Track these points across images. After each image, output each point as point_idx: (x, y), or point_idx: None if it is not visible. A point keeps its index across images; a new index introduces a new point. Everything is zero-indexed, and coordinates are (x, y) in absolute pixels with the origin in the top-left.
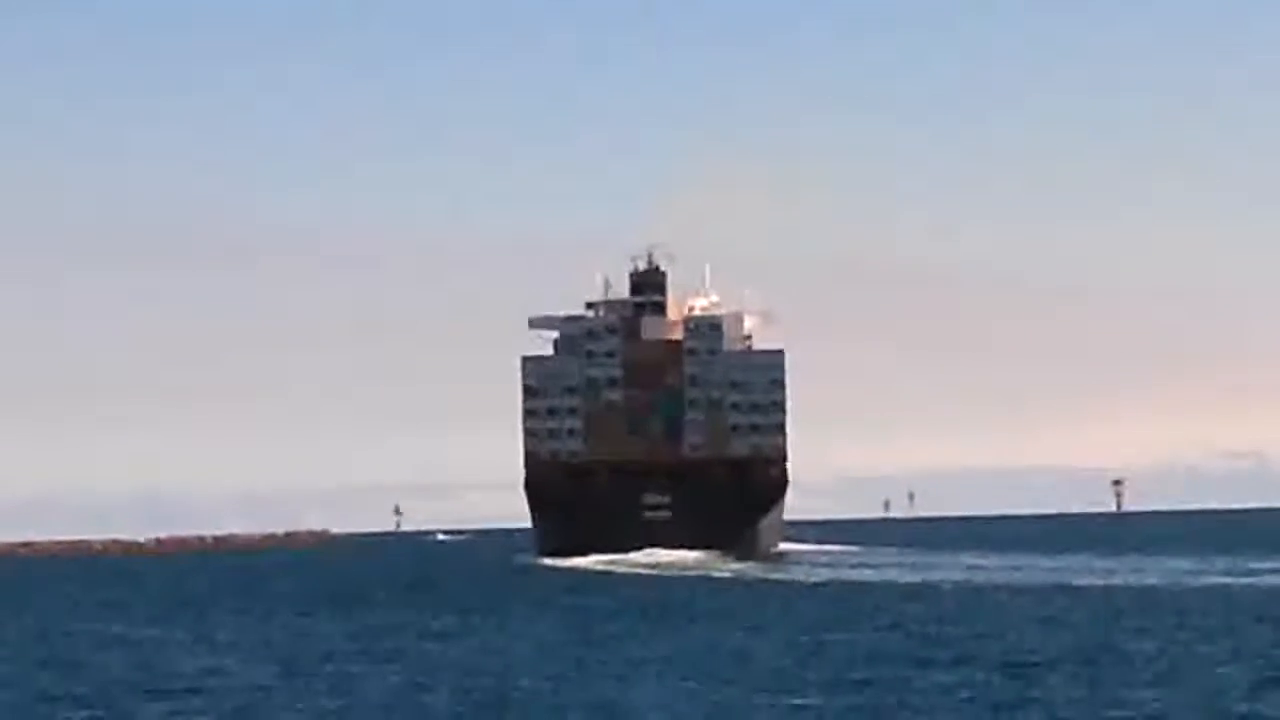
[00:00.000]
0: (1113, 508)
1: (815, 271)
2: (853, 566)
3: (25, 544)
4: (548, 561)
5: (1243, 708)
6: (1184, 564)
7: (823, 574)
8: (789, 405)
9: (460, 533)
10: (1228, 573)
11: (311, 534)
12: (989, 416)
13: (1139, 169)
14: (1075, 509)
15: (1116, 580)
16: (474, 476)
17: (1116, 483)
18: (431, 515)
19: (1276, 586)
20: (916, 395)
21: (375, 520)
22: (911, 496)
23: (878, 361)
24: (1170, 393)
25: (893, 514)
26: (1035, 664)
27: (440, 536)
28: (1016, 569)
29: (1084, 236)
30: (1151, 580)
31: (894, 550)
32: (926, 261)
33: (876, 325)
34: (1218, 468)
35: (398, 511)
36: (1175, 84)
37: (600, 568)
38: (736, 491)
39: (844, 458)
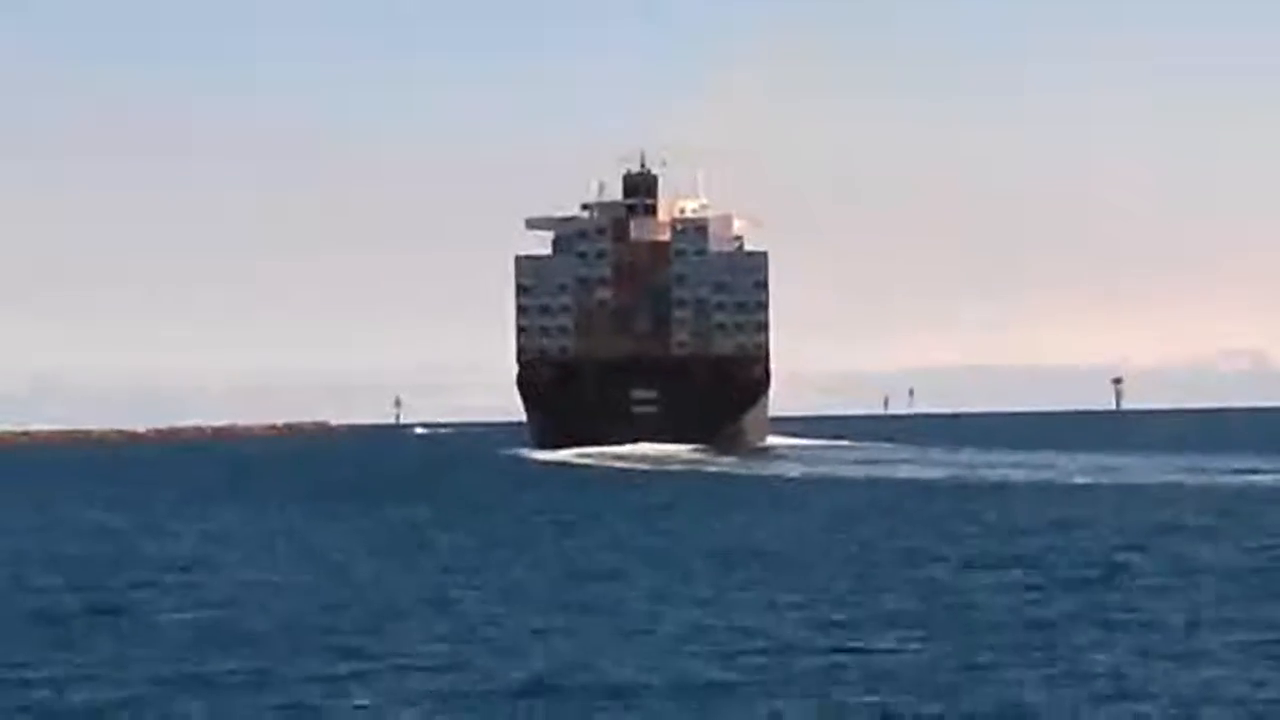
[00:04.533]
0: (1112, 405)
1: (816, 175)
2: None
3: (24, 433)
4: (538, 455)
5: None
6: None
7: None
8: (772, 305)
9: (441, 426)
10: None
11: (314, 425)
12: (989, 315)
13: (1136, 68)
14: (1075, 407)
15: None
16: (475, 371)
17: (1116, 381)
18: (432, 409)
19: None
20: (918, 294)
21: (377, 413)
22: (911, 393)
23: (879, 262)
24: (1171, 291)
25: (892, 410)
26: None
27: (418, 430)
28: (993, 466)
29: (1084, 135)
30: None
31: (883, 446)
32: (926, 162)
33: (877, 226)
34: (1217, 367)
35: (397, 404)
36: None
37: (580, 460)
38: (721, 388)
39: (847, 355)
